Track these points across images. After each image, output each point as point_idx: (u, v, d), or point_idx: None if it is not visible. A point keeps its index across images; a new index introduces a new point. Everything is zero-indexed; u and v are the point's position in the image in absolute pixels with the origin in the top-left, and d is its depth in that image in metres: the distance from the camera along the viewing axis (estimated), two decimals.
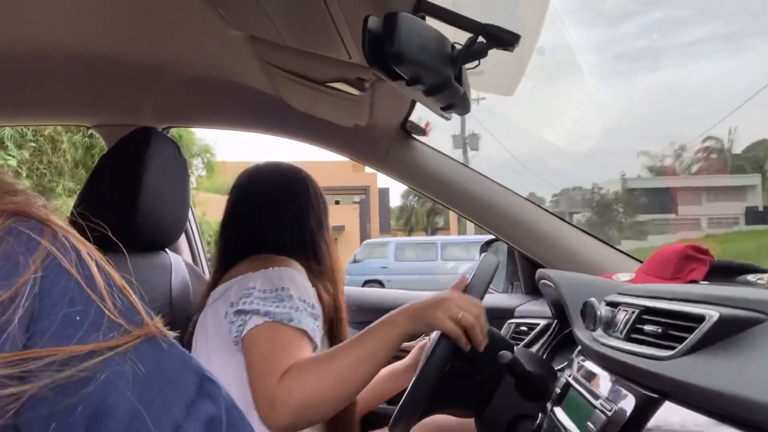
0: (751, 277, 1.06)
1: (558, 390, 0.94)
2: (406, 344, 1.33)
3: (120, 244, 0.45)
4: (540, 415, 0.99)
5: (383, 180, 21.50)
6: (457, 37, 0.82)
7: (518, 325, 1.54)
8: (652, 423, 0.61)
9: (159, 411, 0.33)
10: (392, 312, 1.06)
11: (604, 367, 0.81)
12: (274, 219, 1.24)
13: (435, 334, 1.12)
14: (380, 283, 12.75)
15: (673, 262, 1.17)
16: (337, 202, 20.95)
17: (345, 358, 1.02)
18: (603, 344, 0.81)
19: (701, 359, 0.60)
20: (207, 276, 1.72)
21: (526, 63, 1.08)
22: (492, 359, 1.04)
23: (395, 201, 27.96)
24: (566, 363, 1.03)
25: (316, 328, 1.09)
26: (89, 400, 0.32)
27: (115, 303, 0.35)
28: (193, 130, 8.24)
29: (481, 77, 1.06)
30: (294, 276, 1.13)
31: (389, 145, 1.58)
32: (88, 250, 0.36)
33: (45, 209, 0.37)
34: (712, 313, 0.62)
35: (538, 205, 1.62)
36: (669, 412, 0.60)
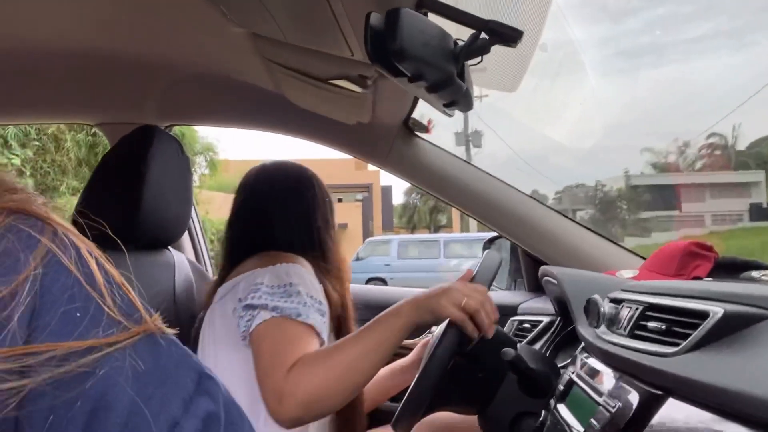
0: (755, 274, 1.06)
1: (561, 387, 0.94)
2: (408, 342, 1.33)
3: (120, 243, 0.45)
4: (543, 412, 0.99)
5: (386, 177, 21.48)
6: (460, 33, 0.82)
7: (521, 322, 1.55)
8: (656, 420, 0.61)
9: (157, 407, 0.33)
10: (397, 303, 1.06)
11: (608, 364, 0.80)
12: (281, 217, 1.25)
13: (438, 331, 1.12)
14: (383, 281, 12.75)
15: (676, 259, 1.16)
16: (339, 200, 20.93)
17: (351, 350, 1.02)
18: (606, 341, 0.81)
19: (705, 356, 0.60)
20: (210, 274, 1.72)
21: (528, 59, 1.08)
22: (495, 356, 1.03)
23: (398, 199, 27.95)
24: (569, 360, 1.03)
25: (323, 323, 1.10)
26: (88, 395, 0.32)
27: (114, 300, 0.35)
28: (196, 128, 8.26)
29: (483, 74, 1.06)
30: (302, 272, 1.14)
31: (392, 142, 1.58)
32: (87, 247, 0.36)
33: (45, 207, 0.37)
34: (717, 310, 0.62)
35: (541, 202, 1.62)
36: (673, 409, 0.60)
